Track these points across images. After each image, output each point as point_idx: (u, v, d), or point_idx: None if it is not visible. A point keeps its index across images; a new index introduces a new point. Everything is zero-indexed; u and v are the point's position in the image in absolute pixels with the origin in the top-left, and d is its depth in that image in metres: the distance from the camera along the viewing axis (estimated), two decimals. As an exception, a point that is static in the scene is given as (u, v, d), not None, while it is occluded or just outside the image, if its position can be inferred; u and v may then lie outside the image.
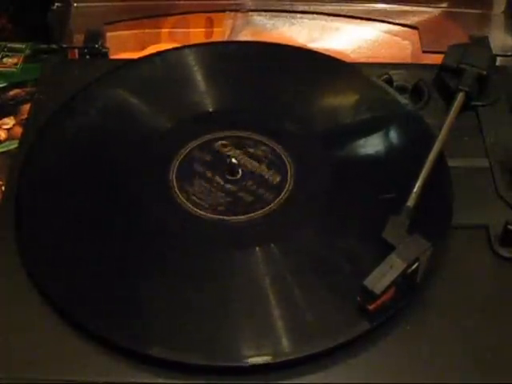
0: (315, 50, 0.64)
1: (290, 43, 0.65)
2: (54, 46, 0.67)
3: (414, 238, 0.44)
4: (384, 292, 0.42)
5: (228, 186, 0.51)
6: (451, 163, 0.52)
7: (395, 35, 0.70)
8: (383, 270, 0.42)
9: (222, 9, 0.71)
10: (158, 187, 0.51)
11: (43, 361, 0.42)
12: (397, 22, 0.70)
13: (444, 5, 0.70)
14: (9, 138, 0.65)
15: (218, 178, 0.52)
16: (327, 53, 0.61)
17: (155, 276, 0.46)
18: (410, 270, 0.43)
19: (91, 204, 0.50)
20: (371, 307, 0.42)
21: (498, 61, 0.61)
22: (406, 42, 0.70)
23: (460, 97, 0.55)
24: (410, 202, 0.47)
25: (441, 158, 0.51)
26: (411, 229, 0.45)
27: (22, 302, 0.45)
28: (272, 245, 0.47)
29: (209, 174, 0.52)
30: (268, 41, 0.66)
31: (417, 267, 0.43)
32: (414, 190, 0.48)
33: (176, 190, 0.51)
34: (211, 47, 0.63)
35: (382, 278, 0.42)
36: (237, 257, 0.47)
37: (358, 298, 0.42)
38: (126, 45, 0.69)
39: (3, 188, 0.56)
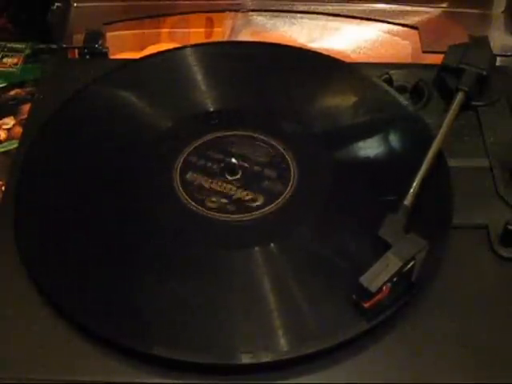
0: (315, 50, 0.64)
1: (290, 43, 0.65)
2: (53, 46, 0.67)
3: (411, 236, 0.44)
4: (379, 290, 0.42)
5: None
6: (451, 163, 0.52)
7: (395, 35, 0.70)
8: (379, 268, 0.42)
9: (222, 9, 0.71)
10: (158, 186, 0.52)
11: (43, 361, 0.42)
12: (397, 22, 0.70)
13: (444, 5, 0.70)
14: (9, 138, 0.65)
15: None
16: (327, 53, 0.61)
17: (155, 275, 0.46)
18: (405, 269, 0.43)
19: (91, 204, 0.50)
20: (367, 305, 0.42)
21: (498, 61, 0.61)
22: (406, 42, 0.70)
23: (460, 96, 0.55)
24: (407, 201, 0.47)
25: (441, 158, 0.51)
26: (411, 229, 0.45)
27: (22, 302, 0.45)
28: (272, 244, 0.47)
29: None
30: (268, 41, 0.66)
31: (412, 266, 0.43)
32: (411, 188, 0.48)
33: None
34: (211, 47, 0.63)
35: (377, 276, 0.42)
36: (237, 256, 0.47)
37: (354, 296, 0.43)
38: (125, 45, 0.69)
39: (3, 188, 0.56)
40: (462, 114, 0.55)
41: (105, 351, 0.42)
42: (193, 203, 0.50)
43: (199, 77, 0.59)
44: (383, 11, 0.70)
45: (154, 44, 0.69)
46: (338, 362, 0.42)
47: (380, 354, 0.43)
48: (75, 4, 0.70)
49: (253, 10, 0.72)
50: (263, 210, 0.50)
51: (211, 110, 0.57)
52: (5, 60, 0.73)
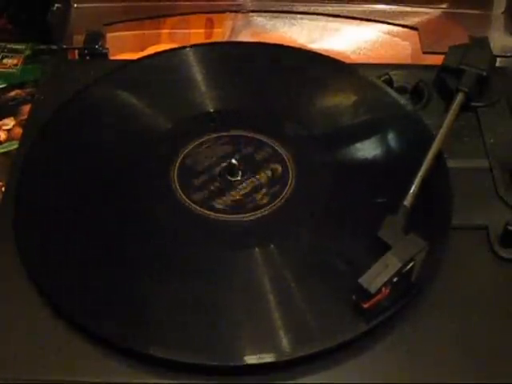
0: (315, 50, 0.64)
1: (290, 44, 0.65)
2: (53, 47, 0.67)
3: (410, 237, 0.44)
4: (379, 291, 0.42)
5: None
6: (451, 164, 0.52)
7: (395, 36, 0.70)
8: (379, 269, 0.42)
9: (222, 10, 0.72)
10: (158, 187, 0.51)
11: (43, 361, 0.42)
12: (397, 22, 0.70)
13: (444, 5, 0.71)
14: (9, 139, 0.65)
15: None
16: (327, 54, 0.62)
17: (155, 276, 0.46)
18: (405, 270, 0.43)
19: (91, 204, 0.50)
20: (366, 306, 0.42)
21: (498, 61, 0.61)
22: (406, 43, 0.70)
23: (459, 97, 0.55)
24: (407, 202, 0.47)
25: (440, 159, 0.51)
26: (411, 230, 0.45)
27: (22, 302, 0.45)
28: (272, 245, 0.47)
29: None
30: (268, 42, 0.66)
31: (412, 266, 0.43)
32: (411, 189, 0.48)
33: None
34: (211, 48, 0.63)
35: (377, 277, 0.42)
36: (237, 257, 0.47)
37: (354, 297, 0.43)
38: (126, 45, 0.69)
39: (3, 189, 0.56)
40: (462, 115, 0.55)
41: (104, 352, 0.42)
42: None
43: (199, 77, 0.59)
44: (383, 12, 0.70)
45: (154, 45, 0.70)
46: (338, 363, 0.42)
47: (380, 355, 0.43)
48: (75, 5, 0.70)
49: (253, 11, 0.72)
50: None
51: (211, 110, 0.57)
52: (5, 61, 0.73)
